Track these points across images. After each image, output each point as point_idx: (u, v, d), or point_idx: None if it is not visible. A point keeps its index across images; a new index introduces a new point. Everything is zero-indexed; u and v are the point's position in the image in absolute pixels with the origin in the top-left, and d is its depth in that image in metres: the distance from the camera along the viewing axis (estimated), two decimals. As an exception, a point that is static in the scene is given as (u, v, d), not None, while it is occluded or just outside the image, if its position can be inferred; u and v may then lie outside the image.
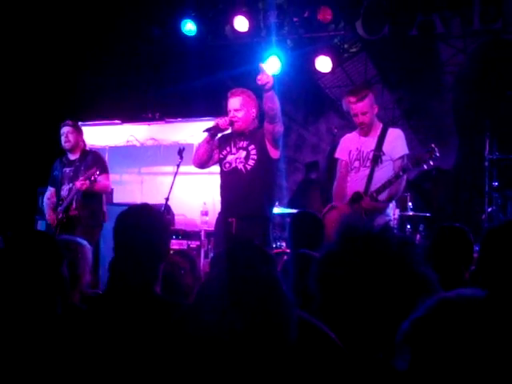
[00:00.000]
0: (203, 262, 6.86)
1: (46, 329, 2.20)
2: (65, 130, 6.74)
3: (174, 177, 5.77)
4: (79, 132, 6.85)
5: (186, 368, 1.45)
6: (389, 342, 1.58)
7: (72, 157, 6.80)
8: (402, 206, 7.28)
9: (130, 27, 9.08)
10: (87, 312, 2.83)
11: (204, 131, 5.41)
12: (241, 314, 1.41)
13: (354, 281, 1.72)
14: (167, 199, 5.77)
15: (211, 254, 6.81)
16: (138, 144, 9.10)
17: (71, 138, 6.73)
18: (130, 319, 2.48)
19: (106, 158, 9.13)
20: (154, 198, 7.39)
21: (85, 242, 3.36)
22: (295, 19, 8.64)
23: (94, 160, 6.69)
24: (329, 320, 1.74)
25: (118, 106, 9.08)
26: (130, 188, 8.90)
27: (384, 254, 1.74)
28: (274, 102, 5.08)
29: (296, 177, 10.22)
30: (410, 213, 7.52)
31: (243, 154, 5.35)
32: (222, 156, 5.49)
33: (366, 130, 5.47)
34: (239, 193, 5.28)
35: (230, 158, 5.43)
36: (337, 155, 5.70)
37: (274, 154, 5.36)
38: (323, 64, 8.44)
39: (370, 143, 5.44)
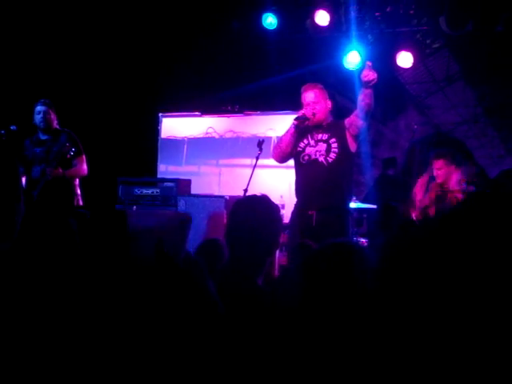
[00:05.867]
0: (278, 255, 6.88)
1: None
2: (42, 109, 6.59)
3: (253, 169, 5.78)
4: (54, 111, 6.68)
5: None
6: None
7: (43, 136, 6.67)
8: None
9: (210, 20, 9.18)
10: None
11: (295, 119, 5.36)
12: None
13: None
14: (245, 191, 5.80)
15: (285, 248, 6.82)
16: (216, 136, 9.18)
17: (48, 117, 6.59)
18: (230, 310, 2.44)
19: (185, 149, 9.35)
20: (232, 190, 7.45)
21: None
22: (377, 14, 8.55)
23: (68, 140, 6.52)
24: None
25: (198, 98, 9.20)
26: (208, 180, 8.99)
27: None
28: (371, 99, 5.09)
29: (373, 172, 10.13)
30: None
31: (323, 146, 5.33)
32: (299, 149, 5.46)
33: None
34: (320, 185, 5.24)
35: (308, 150, 5.41)
36: None
37: (354, 147, 5.36)
38: (404, 59, 8.33)
39: None
